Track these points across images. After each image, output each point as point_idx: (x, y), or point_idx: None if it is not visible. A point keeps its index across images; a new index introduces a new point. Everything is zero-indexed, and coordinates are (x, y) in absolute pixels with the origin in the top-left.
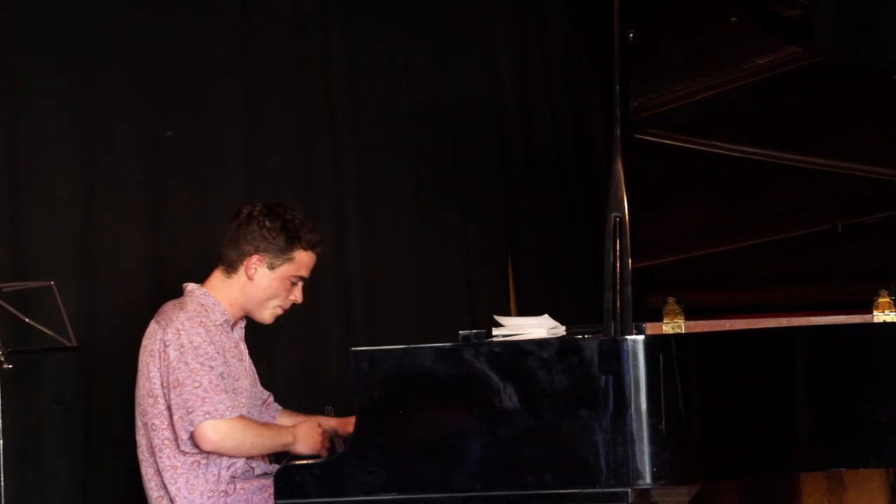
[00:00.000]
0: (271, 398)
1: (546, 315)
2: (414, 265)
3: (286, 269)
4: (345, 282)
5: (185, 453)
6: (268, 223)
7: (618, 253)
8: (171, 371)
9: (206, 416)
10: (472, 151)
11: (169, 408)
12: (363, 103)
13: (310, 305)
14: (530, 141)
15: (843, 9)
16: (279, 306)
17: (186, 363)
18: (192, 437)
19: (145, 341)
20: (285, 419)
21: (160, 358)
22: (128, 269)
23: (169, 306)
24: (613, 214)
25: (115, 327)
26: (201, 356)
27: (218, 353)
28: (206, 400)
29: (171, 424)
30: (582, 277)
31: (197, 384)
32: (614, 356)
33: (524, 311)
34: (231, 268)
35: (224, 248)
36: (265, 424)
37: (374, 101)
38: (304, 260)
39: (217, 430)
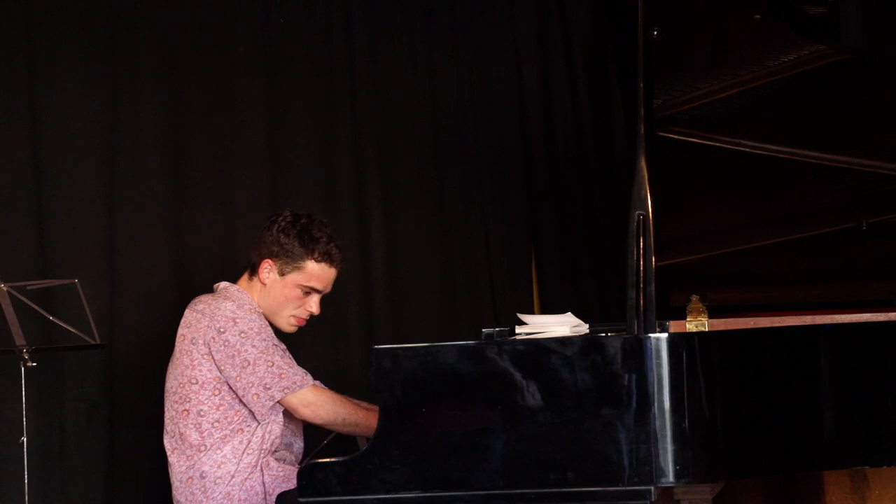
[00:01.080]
0: None
1: (569, 313)
2: (436, 263)
3: (295, 277)
4: (367, 279)
5: (224, 437)
6: (287, 229)
7: (641, 251)
8: (236, 354)
9: (285, 391)
10: (494, 149)
11: (231, 389)
12: (386, 101)
13: (331, 303)
14: (553, 139)
15: (868, 6)
16: (294, 315)
17: (254, 345)
18: (274, 409)
19: (184, 331)
20: None
21: (212, 345)
22: (152, 266)
23: (207, 298)
24: (637, 212)
25: (139, 325)
26: (266, 339)
27: (274, 343)
28: (283, 376)
29: (237, 404)
30: (605, 275)
31: (270, 363)
32: (638, 354)
33: (547, 309)
34: (252, 271)
35: (250, 252)
36: (360, 404)
37: (398, 98)
38: (314, 271)
39: (305, 403)
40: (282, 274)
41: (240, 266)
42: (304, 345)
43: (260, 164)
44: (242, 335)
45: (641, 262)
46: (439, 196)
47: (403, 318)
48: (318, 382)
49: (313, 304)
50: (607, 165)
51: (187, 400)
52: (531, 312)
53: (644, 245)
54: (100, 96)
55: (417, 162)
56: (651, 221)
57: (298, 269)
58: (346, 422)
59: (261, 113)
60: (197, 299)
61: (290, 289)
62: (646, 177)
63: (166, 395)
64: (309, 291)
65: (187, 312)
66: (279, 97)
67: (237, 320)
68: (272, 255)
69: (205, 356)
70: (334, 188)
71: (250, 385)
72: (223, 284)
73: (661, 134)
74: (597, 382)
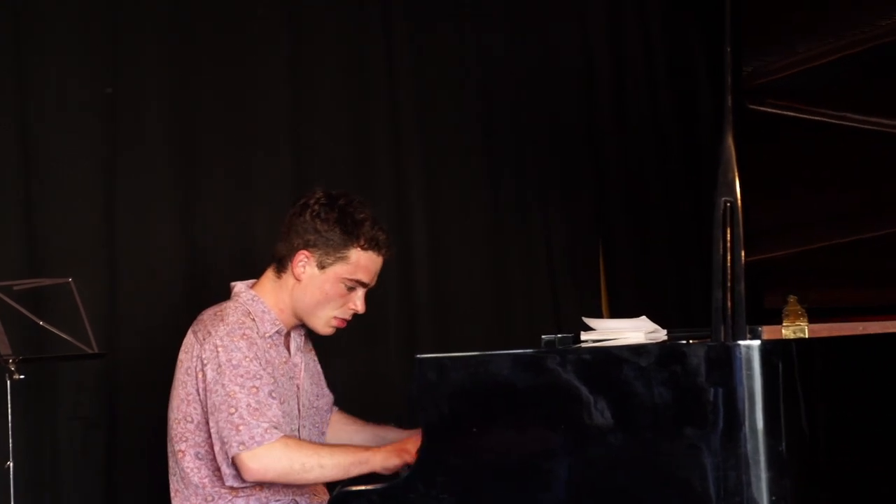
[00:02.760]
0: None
1: (644, 317)
2: (487, 260)
3: (338, 270)
4: (408, 279)
5: (233, 489)
6: (323, 213)
7: (728, 244)
8: (208, 395)
9: (241, 447)
10: (555, 129)
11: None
12: (429, 76)
13: (368, 305)
14: (624, 115)
15: None
16: (335, 316)
17: (223, 385)
18: (233, 469)
19: (182, 356)
20: (343, 426)
21: (198, 379)
22: (157, 265)
23: (209, 315)
24: (723, 199)
25: (143, 332)
26: (241, 375)
27: (265, 370)
28: (241, 427)
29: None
30: (686, 273)
31: (232, 409)
32: (725, 365)
33: (618, 311)
34: (281, 266)
35: (277, 244)
36: (325, 444)
37: (441, 72)
38: (361, 261)
39: (256, 458)
40: (322, 267)
41: (260, 263)
42: (333, 354)
43: (282, 149)
44: (218, 369)
45: (729, 258)
46: (491, 186)
47: (449, 324)
48: (282, 434)
49: (359, 301)
50: (688, 147)
51: (183, 439)
52: (599, 316)
53: (732, 237)
54: (97, 71)
55: (465, 148)
56: (740, 210)
57: (342, 259)
58: (306, 466)
59: (283, 90)
60: (202, 314)
61: (333, 284)
62: (734, 157)
63: (168, 426)
64: (354, 286)
65: (189, 332)
66: (304, 71)
67: (219, 349)
68: (308, 246)
69: (196, 391)
70: (369, 177)
71: (215, 438)
72: (237, 288)
73: (752, 107)
74: (677, 398)
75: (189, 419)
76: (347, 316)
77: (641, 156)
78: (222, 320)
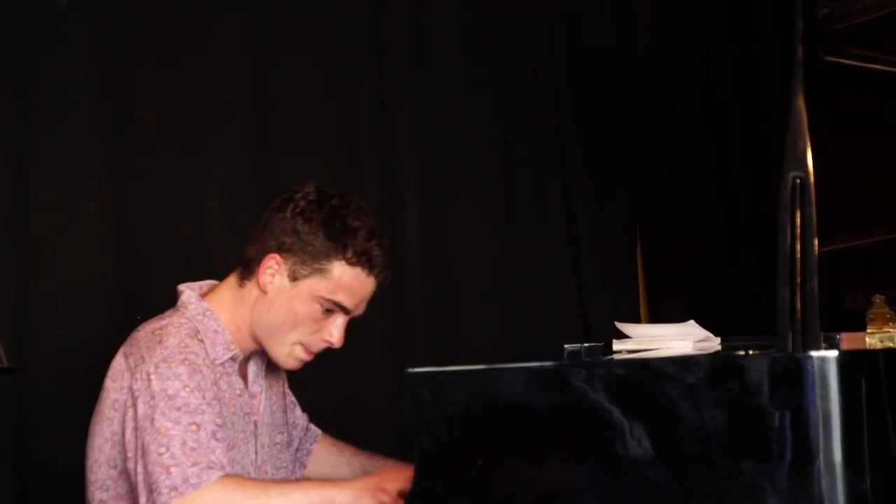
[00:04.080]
0: (308, 429)
1: (691, 321)
2: (496, 252)
3: (314, 286)
4: (398, 275)
5: None
6: (308, 212)
7: (798, 230)
8: (138, 435)
9: (173, 493)
10: (581, 91)
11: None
12: (428, 30)
13: None
14: (669, 75)
15: None
16: (301, 343)
17: (153, 421)
18: None
19: (109, 384)
20: (326, 458)
21: (126, 416)
22: (82, 265)
23: (145, 334)
24: (792, 174)
25: (64, 345)
26: (177, 408)
27: (210, 406)
28: (173, 469)
29: None
30: (744, 266)
31: (163, 449)
32: (794, 381)
33: (659, 315)
34: (247, 271)
35: (248, 243)
36: (279, 481)
37: (440, 20)
38: (344, 279)
39: None
40: (294, 278)
41: (213, 265)
42: (304, 368)
43: (239, 118)
44: (150, 401)
45: (798, 247)
46: (503, 163)
47: (450, 330)
48: (223, 474)
49: (335, 331)
50: (748, 110)
51: (104, 488)
52: (636, 321)
53: (803, 221)
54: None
55: (469, 115)
56: (812, 188)
57: (320, 272)
58: None
59: (241, 45)
60: (137, 330)
61: (305, 302)
62: (805, 123)
63: (86, 469)
64: (332, 309)
65: (119, 353)
66: (269, 20)
67: (152, 377)
68: (282, 249)
69: (122, 429)
70: (349, 151)
71: (142, 486)
72: (185, 296)
73: (829, 59)
74: (733, 423)
75: (112, 464)
76: (317, 347)
77: (688, 122)
78: (160, 342)
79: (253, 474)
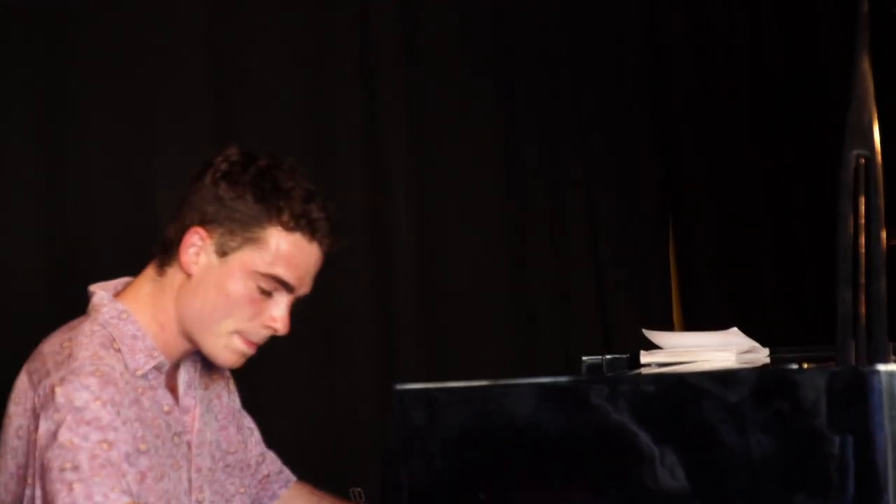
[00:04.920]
0: (274, 465)
1: (734, 329)
2: (501, 249)
3: (247, 259)
4: (384, 278)
5: None
6: (232, 175)
7: (862, 220)
8: (37, 455)
9: None
10: (602, 55)
11: None
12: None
13: (324, 316)
14: (704, 30)
15: None
16: (239, 332)
17: (55, 436)
18: None
19: (11, 409)
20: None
21: (29, 441)
22: (8, 259)
23: (52, 346)
24: (855, 153)
25: None
26: (86, 422)
27: (124, 423)
28: (76, 486)
29: None
30: (796, 263)
31: (67, 464)
32: (857, 400)
33: (695, 321)
34: (166, 256)
35: (167, 228)
36: None
37: (436, 8)
38: (282, 248)
39: None
40: (222, 253)
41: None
42: (274, 389)
43: (196, 92)
44: (54, 419)
45: (863, 241)
46: (506, 141)
47: (444, 341)
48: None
49: (277, 310)
50: (799, 78)
51: None
52: (668, 328)
53: (868, 210)
54: None
55: (473, 95)
56: (880, 169)
57: (253, 242)
58: None
59: (197, 7)
60: (44, 343)
61: (237, 279)
62: (871, 91)
63: None
64: (273, 288)
65: (23, 372)
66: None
67: (58, 389)
68: (204, 221)
69: (26, 457)
70: (326, 137)
71: None
72: (97, 297)
73: None
74: (784, 450)
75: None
76: (259, 336)
77: (729, 94)
78: (70, 356)
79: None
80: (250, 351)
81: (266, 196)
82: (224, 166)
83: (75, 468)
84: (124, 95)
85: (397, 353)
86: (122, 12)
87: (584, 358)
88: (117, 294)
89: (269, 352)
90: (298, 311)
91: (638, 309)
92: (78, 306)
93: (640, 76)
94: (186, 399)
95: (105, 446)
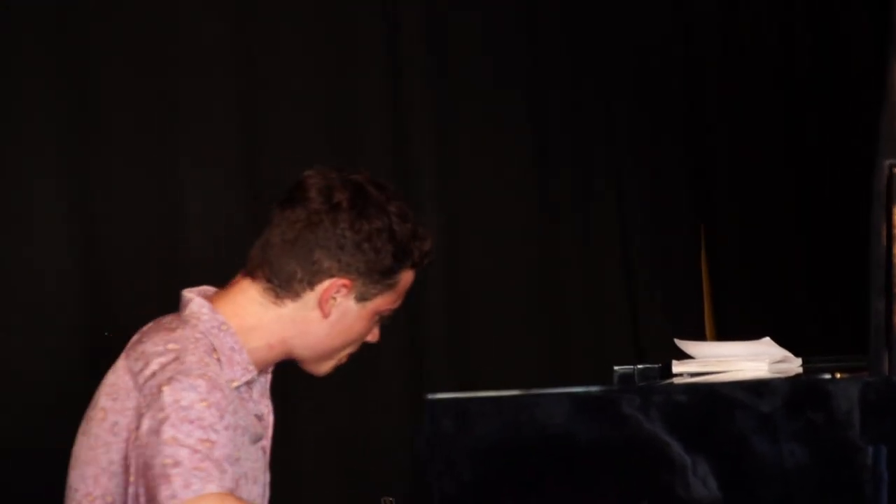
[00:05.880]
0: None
1: (767, 338)
2: (532, 257)
3: (381, 302)
4: (413, 289)
5: None
6: (366, 224)
7: (895, 229)
8: (138, 454)
9: (172, 501)
10: (631, 59)
11: None
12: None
13: None
14: (736, 51)
15: None
16: (349, 354)
17: (158, 433)
18: None
19: (106, 403)
20: None
21: (130, 439)
22: (41, 271)
23: (154, 348)
24: (888, 162)
25: (20, 369)
26: (190, 421)
27: (226, 428)
28: (174, 479)
29: None
30: (828, 273)
31: (168, 460)
32: (890, 410)
33: (728, 331)
34: (287, 290)
35: (276, 254)
36: None
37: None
38: (407, 283)
39: None
40: (363, 299)
41: (194, 273)
42: (303, 396)
43: (223, 100)
44: (158, 418)
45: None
46: (538, 157)
47: (474, 351)
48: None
49: (377, 329)
50: (832, 86)
51: None
52: (701, 338)
53: None
54: None
55: (501, 103)
56: None
57: (391, 287)
58: None
59: (224, 16)
60: (142, 342)
61: (368, 320)
62: None
63: (70, 499)
64: (386, 316)
65: (120, 366)
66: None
67: (166, 388)
68: (349, 272)
69: (125, 452)
70: (353, 145)
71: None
72: (194, 305)
73: None
74: (817, 460)
75: (110, 499)
76: (356, 349)
77: (760, 102)
78: (177, 359)
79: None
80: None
81: (402, 246)
82: (356, 218)
83: (176, 463)
84: (150, 102)
85: (426, 363)
86: (148, 21)
87: (616, 368)
88: (215, 305)
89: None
90: None
91: (670, 319)
92: (108, 307)
93: (671, 84)
94: (261, 406)
95: (207, 445)
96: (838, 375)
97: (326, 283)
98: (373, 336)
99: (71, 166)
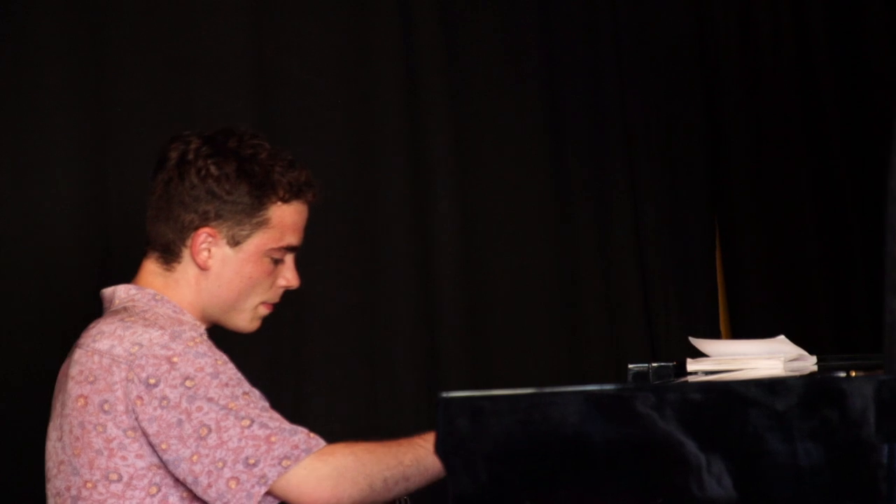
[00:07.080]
0: None
1: (781, 336)
2: (545, 255)
3: (260, 242)
4: (425, 283)
5: None
6: (213, 168)
7: None
8: (185, 419)
9: (284, 463)
10: (646, 54)
11: (180, 482)
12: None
13: (362, 323)
14: (753, 52)
15: None
16: (263, 302)
17: (210, 399)
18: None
19: (79, 388)
20: None
21: (141, 409)
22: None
23: (107, 325)
24: None
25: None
26: (225, 384)
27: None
28: (273, 440)
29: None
30: (844, 271)
31: (245, 421)
32: None
33: (743, 329)
34: (169, 254)
35: (151, 223)
36: (387, 445)
37: None
38: (286, 218)
39: (320, 477)
40: (235, 243)
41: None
42: (316, 394)
43: (239, 98)
44: (191, 385)
45: None
46: (554, 156)
47: (488, 349)
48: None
49: (289, 273)
50: (849, 84)
51: (81, 497)
52: (715, 336)
53: None
54: None
55: (517, 102)
56: None
57: (262, 225)
58: (389, 482)
59: (240, 13)
60: (91, 330)
61: (256, 263)
62: None
63: (50, 499)
64: (282, 255)
65: (80, 355)
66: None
67: (175, 359)
68: (209, 220)
69: (129, 432)
70: (369, 144)
71: (219, 466)
72: (120, 292)
73: None
74: (832, 459)
75: (115, 476)
76: (277, 297)
77: (777, 102)
78: (146, 322)
79: None
80: (270, 311)
81: (259, 180)
82: (202, 163)
83: (259, 423)
84: (165, 100)
85: (441, 361)
86: (165, 18)
87: (631, 366)
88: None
89: (315, 360)
90: (342, 316)
91: (684, 317)
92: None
93: (689, 85)
94: None
95: (250, 397)
96: (853, 374)
97: (195, 237)
98: (285, 280)
99: (88, 166)
